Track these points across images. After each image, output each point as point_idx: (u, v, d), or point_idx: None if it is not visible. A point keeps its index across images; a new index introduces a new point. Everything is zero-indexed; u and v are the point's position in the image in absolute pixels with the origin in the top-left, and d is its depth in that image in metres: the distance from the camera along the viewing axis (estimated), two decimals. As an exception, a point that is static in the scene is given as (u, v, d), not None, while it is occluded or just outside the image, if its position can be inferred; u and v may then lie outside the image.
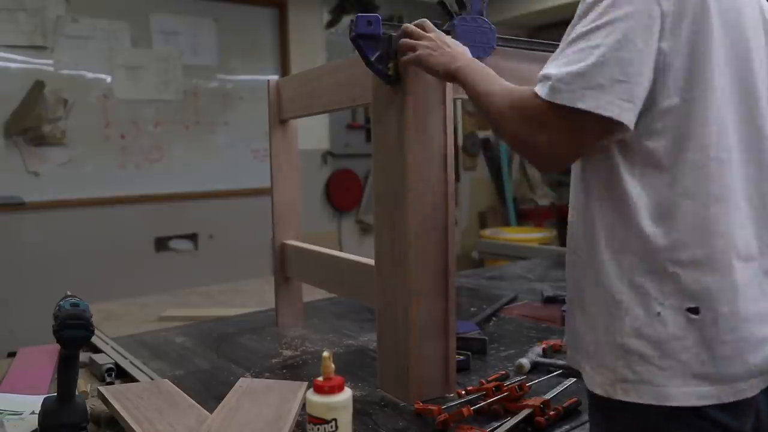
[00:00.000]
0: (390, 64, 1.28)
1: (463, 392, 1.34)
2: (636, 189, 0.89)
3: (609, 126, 0.85)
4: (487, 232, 5.68)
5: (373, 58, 1.27)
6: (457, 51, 1.16)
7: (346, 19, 5.10)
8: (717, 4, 0.89)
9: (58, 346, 1.10)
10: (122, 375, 1.50)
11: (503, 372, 1.48)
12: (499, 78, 1.04)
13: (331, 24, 5.05)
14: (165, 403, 1.25)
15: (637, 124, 0.86)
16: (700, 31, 0.87)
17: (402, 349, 1.36)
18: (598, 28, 0.85)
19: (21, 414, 1.25)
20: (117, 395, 1.27)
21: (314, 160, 5.03)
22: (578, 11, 0.91)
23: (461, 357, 1.51)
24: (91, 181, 4.06)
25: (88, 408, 1.16)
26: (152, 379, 1.44)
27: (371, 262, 1.47)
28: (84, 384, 1.39)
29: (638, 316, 0.88)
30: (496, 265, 3.97)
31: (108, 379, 1.47)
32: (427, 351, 1.35)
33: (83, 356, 1.50)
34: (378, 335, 1.45)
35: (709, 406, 0.86)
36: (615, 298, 0.90)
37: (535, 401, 1.24)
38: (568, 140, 0.89)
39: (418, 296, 1.33)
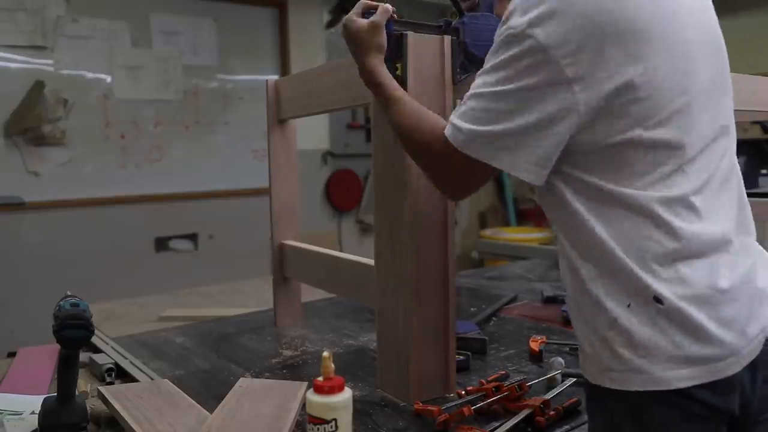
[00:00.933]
0: (398, 63, 1.27)
1: (463, 392, 1.34)
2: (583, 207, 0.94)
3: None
4: (487, 232, 5.68)
5: None
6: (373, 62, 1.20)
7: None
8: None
9: (58, 346, 1.11)
10: (122, 375, 1.50)
11: (503, 372, 1.49)
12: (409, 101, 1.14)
13: (331, 24, 5.05)
14: (165, 403, 1.25)
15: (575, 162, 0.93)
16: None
17: (402, 349, 1.36)
18: (508, 93, 0.91)
19: (21, 414, 1.25)
20: (117, 395, 1.27)
21: (314, 160, 5.03)
22: (496, 36, 0.95)
23: (461, 357, 1.51)
24: (91, 181, 4.06)
25: (88, 408, 1.16)
26: (152, 379, 1.44)
27: (371, 262, 1.47)
28: (84, 384, 1.39)
29: (612, 310, 0.91)
30: (496, 265, 3.98)
31: (108, 379, 1.47)
32: (427, 351, 1.36)
33: (83, 356, 1.50)
34: (378, 335, 1.45)
35: (691, 387, 0.88)
36: (592, 297, 0.93)
37: (535, 401, 1.24)
38: (473, 181, 1.04)
39: (418, 296, 1.33)
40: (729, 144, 1.00)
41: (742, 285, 0.91)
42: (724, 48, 1.02)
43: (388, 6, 1.21)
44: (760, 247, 1.02)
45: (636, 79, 0.87)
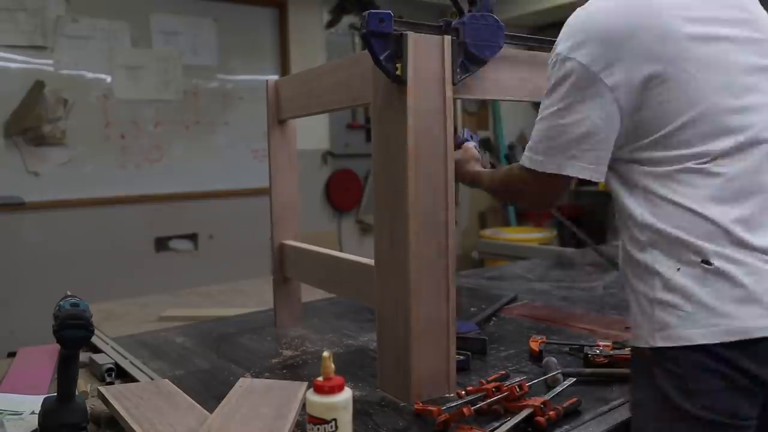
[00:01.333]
0: (398, 63, 1.27)
1: (463, 392, 1.34)
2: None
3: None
4: (487, 232, 5.68)
5: (382, 57, 1.26)
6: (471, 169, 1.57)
7: (347, 20, 5.11)
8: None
9: (58, 346, 1.10)
10: (122, 375, 1.50)
11: (503, 372, 1.48)
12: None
13: (331, 24, 5.06)
14: (165, 403, 1.25)
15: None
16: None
17: (402, 349, 1.36)
18: (565, 109, 1.10)
19: (21, 414, 1.25)
20: (117, 395, 1.27)
21: (314, 160, 5.03)
22: (548, 75, 1.14)
23: (461, 357, 1.50)
24: (91, 181, 4.06)
25: (88, 408, 1.16)
26: (152, 379, 1.44)
27: (371, 262, 1.47)
28: (84, 384, 1.39)
29: (665, 273, 1.03)
30: (496, 265, 3.98)
31: (108, 379, 1.47)
32: (427, 351, 1.35)
33: (83, 356, 1.50)
34: (378, 335, 1.45)
35: (726, 344, 0.97)
36: (646, 266, 1.06)
37: (535, 401, 1.24)
38: (559, 192, 1.25)
39: (418, 296, 1.33)
40: None
41: None
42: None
43: (468, 145, 1.64)
44: None
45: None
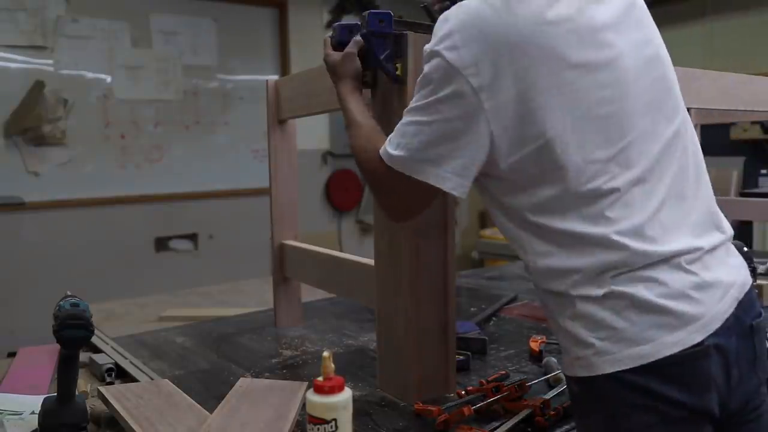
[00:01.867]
0: (398, 63, 1.27)
1: (463, 392, 1.34)
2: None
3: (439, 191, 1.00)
4: (487, 232, 5.68)
5: (382, 57, 1.26)
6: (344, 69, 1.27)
7: (347, 19, 5.11)
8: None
9: (58, 346, 1.10)
10: (122, 375, 1.50)
11: (503, 372, 1.48)
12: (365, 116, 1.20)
13: (331, 24, 5.06)
14: (165, 403, 1.25)
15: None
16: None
17: (402, 349, 1.36)
18: (426, 106, 0.96)
19: (21, 414, 1.25)
20: (117, 395, 1.27)
21: (314, 160, 5.03)
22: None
23: (461, 357, 1.51)
24: (91, 181, 4.07)
25: (88, 408, 1.15)
26: (152, 379, 1.44)
27: (371, 262, 1.47)
28: (84, 384, 1.39)
29: (566, 305, 0.95)
30: (496, 265, 3.98)
31: (108, 379, 1.47)
32: (427, 351, 1.35)
33: (83, 356, 1.50)
34: (378, 335, 1.45)
35: (666, 388, 0.87)
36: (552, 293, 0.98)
37: (535, 401, 1.24)
38: (412, 203, 1.08)
39: (418, 296, 1.33)
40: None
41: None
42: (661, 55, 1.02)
43: (359, 38, 1.26)
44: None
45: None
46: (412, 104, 1.00)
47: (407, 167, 0.99)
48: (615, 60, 0.93)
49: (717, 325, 0.89)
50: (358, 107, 1.22)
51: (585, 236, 0.91)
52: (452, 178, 0.97)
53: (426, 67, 0.97)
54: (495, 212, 1.04)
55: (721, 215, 1.02)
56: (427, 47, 0.97)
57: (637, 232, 0.90)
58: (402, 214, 1.14)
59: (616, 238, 0.89)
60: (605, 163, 0.91)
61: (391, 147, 1.02)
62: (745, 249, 1.56)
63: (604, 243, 0.90)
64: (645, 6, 1.04)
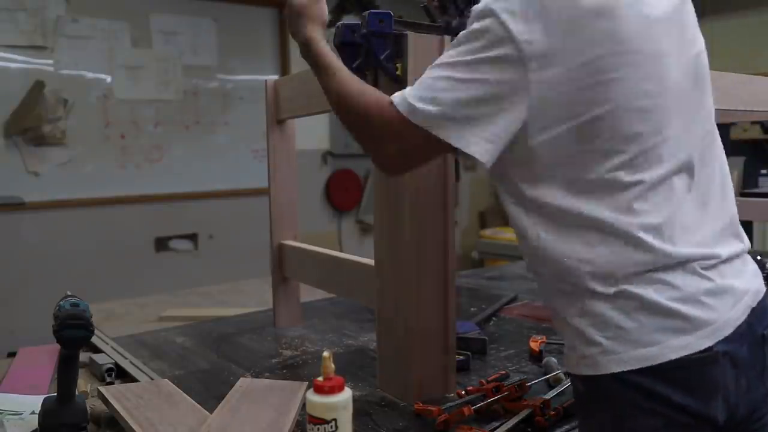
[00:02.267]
0: (398, 63, 1.27)
1: (463, 392, 1.34)
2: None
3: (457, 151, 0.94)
4: (487, 232, 5.68)
5: (382, 57, 1.26)
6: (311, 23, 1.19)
7: (347, 20, 5.10)
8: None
9: (58, 346, 1.10)
10: (122, 375, 1.50)
11: (503, 372, 1.49)
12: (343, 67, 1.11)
13: (331, 24, 5.04)
14: (165, 403, 1.25)
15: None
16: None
17: (402, 349, 1.36)
18: (465, 63, 0.91)
19: (21, 414, 1.25)
20: (117, 395, 1.27)
21: (314, 160, 5.03)
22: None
23: (461, 357, 1.51)
24: (91, 181, 4.06)
25: (88, 408, 1.16)
26: (152, 379, 1.44)
27: (371, 262, 1.47)
28: (84, 384, 1.39)
29: (573, 304, 0.94)
30: (496, 265, 3.98)
31: (108, 379, 1.47)
32: (427, 351, 1.35)
33: (83, 356, 1.50)
34: (378, 335, 1.45)
35: (672, 395, 0.87)
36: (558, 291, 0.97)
37: (535, 401, 1.24)
38: (414, 156, 1.02)
39: (418, 296, 1.33)
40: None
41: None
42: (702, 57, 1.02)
43: None
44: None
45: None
46: (445, 59, 0.94)
47: (431, 123, 0.92)
48: (660, 56, 0.92)
49: (728, 331, 0.89)
50: (332, 53, 1.15)
51: (607, 225, 0.89)
52: (480, 143, 0.91)
53: (476, 24, 0.91)
54: (507, 199, 1.00)
55: (740, 227, 1.01)
56: (480, 4, 0.92)
57: (658, 230, 0.89)
58: (398, 168, 1.09)
59: (638, 233, 0.88)
60: (636, 156, 0.89)
61: (413, 98, 0.94)
62: (759, 257, 1.55)
63: (624, 237, 0.89)
64: (693, 8, 1.02)
